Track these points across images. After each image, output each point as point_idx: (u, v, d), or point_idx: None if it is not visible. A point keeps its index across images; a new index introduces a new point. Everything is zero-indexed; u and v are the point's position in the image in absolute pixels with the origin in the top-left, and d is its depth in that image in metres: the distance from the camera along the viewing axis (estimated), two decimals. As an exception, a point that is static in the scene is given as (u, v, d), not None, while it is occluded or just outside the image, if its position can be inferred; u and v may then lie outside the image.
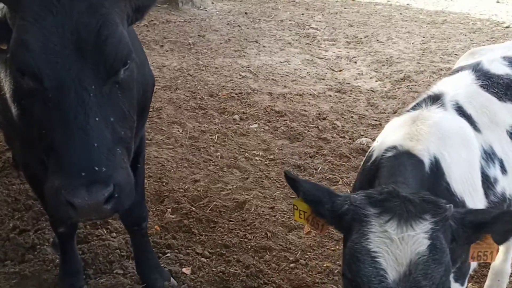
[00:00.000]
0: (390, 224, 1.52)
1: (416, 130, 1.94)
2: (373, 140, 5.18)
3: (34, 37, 1.70)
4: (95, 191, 1.66)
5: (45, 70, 1.71)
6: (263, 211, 4.10)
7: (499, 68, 2.41)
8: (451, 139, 1.99)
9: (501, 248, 2.14)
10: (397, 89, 6.93)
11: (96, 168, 1.69)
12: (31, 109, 1.88)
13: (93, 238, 3.68)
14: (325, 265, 3.49)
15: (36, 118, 1.87)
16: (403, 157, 1.85)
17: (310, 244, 3.76)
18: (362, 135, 5.47)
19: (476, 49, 2.82)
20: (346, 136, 5.45)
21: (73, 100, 1.71)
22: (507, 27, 10.31)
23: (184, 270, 3.44)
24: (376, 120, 5.89)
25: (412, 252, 1.48)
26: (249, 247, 3.70)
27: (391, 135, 2.02)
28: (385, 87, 7.02)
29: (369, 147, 5.00)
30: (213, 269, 3.44)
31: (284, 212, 4.11)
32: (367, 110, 6.24)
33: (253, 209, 4.12)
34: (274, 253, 3.65)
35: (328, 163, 4.85)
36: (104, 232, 3.77)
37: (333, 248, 3.71)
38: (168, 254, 3.57)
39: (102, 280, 3.31)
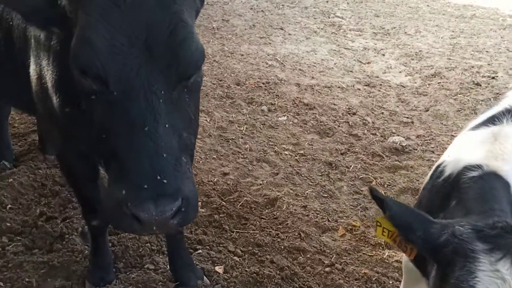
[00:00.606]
0: (503, 263, 1.38)
1: (500, 148, 1.79)
2: (406, 139, 5.04)
3: (100, 35, 1.56)
4: (163, 205, 1.55)
5: (111, 72, 1.57)
6: (295, 210, 3.97)
7: None
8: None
9: None
10: (427, 85, 6.72)
11: (165, 181, 1.56)
12: (90, 110, 1.76)
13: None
14: (362, 272, 3.37)
15: (96, 120, 1.74)
16: (491, 179, 1.70)
17: (346, 247, 3.64)
18: (394, 133, 5.31)
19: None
20: (377, 134, 5.28)
21: (142, 106, 1.57)
22: (539, 24, 10.00)
23: (216, 268, 3.33)
24: (407, 118, 5.71)
25: None
26: (282, 247, 3.59)
27: (470, 151, 1.87)
28: (415, 83, 6.82)
29: (402, 146, 4.87)
30: (246, 269, 3.33)
31: (317, 212, 3.98)
32: (397, 106, 6.06)
33: (284, 206, 3.99)
34: (308, 255, 3.53)
35: (360, 162, 4.70)
36: (133, 224, 3.66)
37: (369, 254, 3.58)
38: (200, 251, 3.47)
39: (133, 275, 3.21)
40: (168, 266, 3.30)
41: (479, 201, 1.64)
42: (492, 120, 2.04)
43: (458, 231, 1.47)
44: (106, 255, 3.18)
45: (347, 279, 3.32)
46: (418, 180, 4.47)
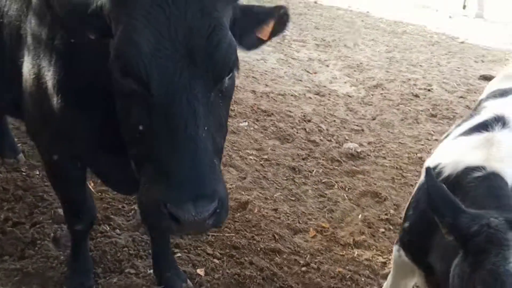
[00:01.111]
0: None
1: (498, 152, 2.03)
2: (360, 145, 5.34)
3: (147, 39, 1.58)
4: (202, 206, 1.58)
5: (155, 75, 1.59)
6: (266, 213, 4.09)
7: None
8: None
9: None
10: (371, 96, 7.16)
11: (204, 182, 1.61)
12: (126, 111, 1.78)
13: (97, 235, 3.50)
14: (337, 270, 3.55)
15: (131, 121, 1.76)
16: (496, 179, 1.92)
17: (318, 248, 3.81)
18: (348, 140, 5.61)
19: (508, 73, 2.99)
20: (332, 140, 5.56)
21: (184, 109, 1.60)
22: (461, 42, 10.96)
23: (198, 271, 3.36)
24: (357, 126, 6.06)
25: None
26: (258, 249, 3.69)
27: (468, 155, 2.08)
28: (360, 93, 7.23)
29: (357, 152, 5.17)
30: (227, 271, 3.39)
31: (288, 215, 4.13)
32: (347, 114, 6.40)
33: (256, 210, 4.10)
34: (284, 256, 3.66)
35: (321, 166, 4.92)
36: (107, 228, 3.60)
37: (340, 253, 3.78)
38: (179, 254, 3.47)
39: (114, 280, 3.15)
40: (148, 270, 3.28)
41: (491, 198, 1.85)
42: (484, 127, 2.29)
43: (493, 222, 1.66)
44: (86, 260, 3.10)
45: (323, 277, 3.48)
46: (375, 184, 4.77)
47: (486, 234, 1.65)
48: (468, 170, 1.97)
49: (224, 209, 1.70)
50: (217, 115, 1.76)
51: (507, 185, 1.93)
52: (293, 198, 4.39)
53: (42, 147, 2.64)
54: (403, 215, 4.01)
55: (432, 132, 6.19)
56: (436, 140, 5.94)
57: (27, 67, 2.38)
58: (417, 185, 2.41)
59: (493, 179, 1.94)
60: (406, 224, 2.32)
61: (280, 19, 1.97)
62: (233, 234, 3.80)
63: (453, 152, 2.22)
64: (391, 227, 4.17)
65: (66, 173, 2.66)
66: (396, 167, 5.17)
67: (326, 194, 4.54)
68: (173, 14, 1.60)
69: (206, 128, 1.65)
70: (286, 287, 3.35)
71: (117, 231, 3.63)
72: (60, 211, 3.46)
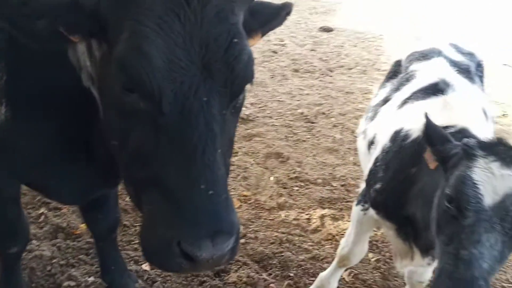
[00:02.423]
0: (495, 163, 1.85)
1: (460, 112, 2.32)
2: (245, 107, 5.44)
3: (160, 50, 1.32)
4: (221, 242, 1.38)
5: (168, 92, 1.34)
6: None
7: (455, 55, 2.97)
8: (475, 112, 2.52)
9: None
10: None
11: (222, 215, 1.40)
12: (125, 131, 1.49)
13: (14, 252, 3.00)
14: (274, 235, 3.68)
15: (132, 144, 1.47)
16: (468, 132, 2.22)
17: (248, 217, 3.87)
18: (232, 103, 5.65)
19: (419, 35, 3.33)
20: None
21: (201, 131, 1.37)
22: None
23: (143, 266, 3.16)
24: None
25: (508, 187, 1.80)
26: (193, 230, 3.60)
27: (433, 117, 2.31)
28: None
29: (246, 115, 5.31)
30: (173, 259, 3.26)
31: (208, 189, 4.07)
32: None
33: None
34: (219, 232, 3.64)
35: (220, 134, 4.91)
36: (22, 241, 3.11)
37: (270, 218, 3.91)
38: (115, 253, 3.20)
39: (55, 298, 2.80)
40: (88, 277, 2.99)
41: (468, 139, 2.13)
42: (434, 91, 2.56)
43: (467, 142, 1.95)
44: (19, 285, 2.68)
45: (264, 245, 3.58)
46: (274, 144, 4.96)
47: (461, 151, 1.94)
48: (444, 129, 2.19)
49: (238, 242, 1.51)
50: (228, 133, 1.55)
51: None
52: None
53: None
54: (335, 174, 4.35)
55: (301, 87, 6.58)
56: (308, 94, 6.38)
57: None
58: (381, 149, 2.59)
59: (464, 132, 2.22)
60: (378, 186, 2.50)
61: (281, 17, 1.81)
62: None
63: (417, 117, 2.42)
64: (302, 184, 4.43)
65: (2, 191, 2.23)
66: (285, 125, 5.43)
67: (234, 162, 4.56)
68: (188, 19, 1.36)
69: (221, 151, 1.44)
70: (234, 262, 3.36)
71: (35, 242, 3.17)
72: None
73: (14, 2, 1.42)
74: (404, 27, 10.33)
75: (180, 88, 1.35)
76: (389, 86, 3.10)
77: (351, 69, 7.57)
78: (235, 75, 1.42)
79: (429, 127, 2.06)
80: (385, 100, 2.95)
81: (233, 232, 1.42)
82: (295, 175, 4.52)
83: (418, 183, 2.29)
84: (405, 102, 2.67)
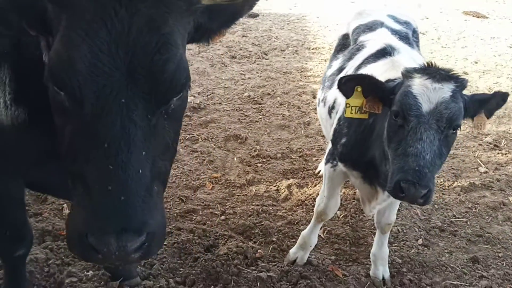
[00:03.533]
0: (428, 80, 2.30)
1: (402, 67, 2.70)
2: (193, 97, 5.65)
3: (83, 55, 1.41)
4: (125, 240, 1.43)
5: (89, 94, 1.43)
6: (159, 180, 4.13)
7: (394, 25, 3.37)
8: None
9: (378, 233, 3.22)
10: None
11: (131, 214, 1.45)
12: (60, 125, 1.62)
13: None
14: (250, 208, 3.96)
15: (64, 137, 1.59)
16: None
17: (222, 196, 4.12)
18: (181, 95, 5.81)
19: (360, 10, 3.70)
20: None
21: (117, 133, 1.44)
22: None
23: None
24: (180, 80, 6.27)
25: (439, 96, 2.26)
26: (174, 215, 3.79)
27: (384, 74, 2.66)
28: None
29: (197, 104, 5.50)
30: (164, 244, 3.44)
31: (178, 176, 4.27)
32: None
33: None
34: (200, 213, 3.86)
35: (177, 125, 5.07)
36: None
37: (243, 194, 4.18)
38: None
39: (62, 295, 2.90)
40: (86, 272, 3.10)
41: None
42: (383, 54, 2.94)
43: (405, 68, 2.42)
44: (26, 285, 2.76)
45: (243, 218, 3.85)
46: (230, 128, 5.22)
47: (401, 79, 2.42)
48: (389, 81, 2.57)
49: (156, 242, 1.55)
50: (161, 137, 1.59)
51: None
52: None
53: None
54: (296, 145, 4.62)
55: (242, 72, 6.85)
56: (249, 78, 6.66)
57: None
58: (342, 109, 2.92)
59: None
60: (344, 140, 2.84)
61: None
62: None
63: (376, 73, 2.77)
64: (264, 160, 4.73)
65: (7, 194, 2.31)
66: (236, 109, 5.69)
67: (196, 148, 4.77)
68: (115, 27, 1.43)
69: (144, 153, 1.50)
70: (221, 237, 3.61)
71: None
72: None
73: None
74: (326, 7, 10.90)
75: (102, 91, 1.43)
76: (341, 57, 3.46)
77: (283, 50, 7.94)
78: (159, 83, 1.48)
79: (366, 79, 2.49)
80: (340, 69, 3.31)
81: (142, 231, 1.46)
82: (255, 153, 4.81)
83: (375, 130, 2.68)
84: (359, 67, 3.03)
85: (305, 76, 6.85)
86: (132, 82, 1.44)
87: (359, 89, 2.43)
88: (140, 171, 1.47)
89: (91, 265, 3.17)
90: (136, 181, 1.46)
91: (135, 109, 1.46)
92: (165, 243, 3.42)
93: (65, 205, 3.70)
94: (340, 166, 2.99)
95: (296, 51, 7.93)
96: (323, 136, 5.21)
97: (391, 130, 2.38)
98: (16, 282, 2.69)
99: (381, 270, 3.37)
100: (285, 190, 4.26)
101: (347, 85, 2.46)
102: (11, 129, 1.98)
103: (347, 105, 2.47)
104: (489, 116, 2.51)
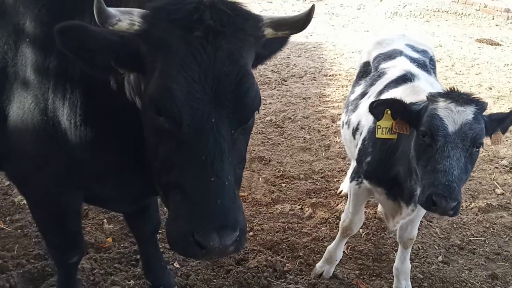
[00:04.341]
0: (452, 104, 2.55)
1: (422, 93, 2.88)
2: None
3: (180, 85, 1.71)
4: (225, 235, 1.72)
5: (186, 116, 1.72)
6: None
7: (413, 54, 3.65)
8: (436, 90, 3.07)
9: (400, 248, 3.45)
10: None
11: (228, 214, 1.75)
12: (156, 145, 1.90)
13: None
14: (276, 225, 4.17)
15: (161, 154, 1.88)
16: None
17: (250, 213, 4.33)
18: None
19: (379, 40, 3.99)
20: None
21: (211, 146, 1.74)
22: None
23: (175, 264, 3.55)
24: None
25: (463, 118, 2.50)
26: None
27: (406, 98, 2.88)
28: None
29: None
30: (197, 256, 3.67)
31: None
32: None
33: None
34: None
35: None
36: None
37: (269, 212, 4.40)
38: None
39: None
40: (127, 281, 3.33)
41: None
42: (404, 80, 3.20)
43: (430, 93, 2.66)
44: (77, 289, 3.01)
45: (271, 234, 4.06)
46: (254, 150, 5.47)
47: (426, 103, 2.66)
48: (412, 104, 2.81)
49: (244, 236, 1.83)
50: (239, 149, 1.88)
51: None
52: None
53: (40, 186, 2.45)
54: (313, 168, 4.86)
55: (263, 97, 7.14)
56: (270, 103, 6.94)
57: (23, 105, 2.23)
58: (367, 131, 3.17)
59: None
60: (368, 159, 3.07)
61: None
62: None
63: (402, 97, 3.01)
64: (288, 180, 4.97)
65: (67, 205, 2.56)
66: (259, 133, 5.96)
67: (223, 169, 5.02)
68: (204, 61, 1.73)
69: (229, 163, 1.78)
70: (250, 251, 3.82)
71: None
72: None
73: (79, 39, 1.82)
74: (341, 36, 11.25)
75: (196, 113, 1.72)
76: (363, 83, 3.72)
77: (302, 77, 8.25)
78: (243, 106, 1.79)
79: (393, 103, 2.74)
80: (363, 94, 3.57)
81: (236, 227, 1.75)
82: (279, 173, 5.05)
83: (399, 148, 2.91)
84: (381, 92, 3.29)
85: (323, 102, 7.12)
86: (219, 105, 1.74)
87: (389, 112, 2.68)
88: (229, 177, 1.76)
89: (131, 275, 3.41)
90: (228, 186, 1.75)
91: (223, 126, 1.75)
92: (198, 256, 3.66)
93: (105, 220, 3.96)
94: (365, 183, 3.22)
95: (314, 77, 8.23)
96: (343, 158, 5.44)
97: (420, 149, 2.61)
98: (71, 286, 2.92)
99: (404, 284, 3.54)
100: (309, 209, 4.48)
101: (378, 108, 2.71)
102: (78, 147, 2.23)
103: (378, 127, 2.72)
104: (504, 132, 2.76)
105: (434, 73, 3.79)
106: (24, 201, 4.06)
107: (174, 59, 1.73)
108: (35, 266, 3.31)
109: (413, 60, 3.56)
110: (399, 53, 3.63)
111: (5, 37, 2.20)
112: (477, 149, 2.55)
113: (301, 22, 2.03)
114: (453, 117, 2.51)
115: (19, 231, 3.72)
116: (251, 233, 4.07)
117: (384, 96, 3.18)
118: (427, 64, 3.62)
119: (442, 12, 13.98)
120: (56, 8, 2.14)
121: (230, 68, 1.75)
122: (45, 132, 2.23)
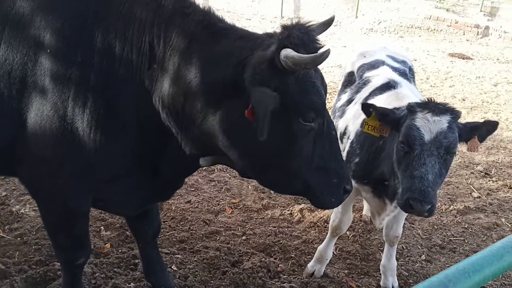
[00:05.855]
0: (429, 114, 2.76)
1: (405, 99, 3.17)
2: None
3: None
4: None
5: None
6: (183, 206, 4.54)
7: (394, 63, 3.92)
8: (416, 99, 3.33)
9: (386, 247, 3.71)
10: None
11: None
12: (292, 145, 2.29)
13: (57, 273, 3.40)
14: (268, 229, 4.35)
15: (300, 152, 2.30)
16: None
17: (241, 219, 4.51)
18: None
19: (362, 51, 4.25)
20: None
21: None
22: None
23: (173, 267, 3.68)
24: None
25: (438, 127, 2.72)
26: (201, 235, 4.17)
27: (390, 104, 3.15)
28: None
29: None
30: (194, 259, 3.81)
31: (200, 202, 4.66)
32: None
33: (173, 207, 4.51)
34: (223, 234, 4.24)
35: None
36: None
37: (260, 217, 4.57)
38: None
39: (110, 303, 3.24)
40: (127, 284, 3.44)
41: None
42: (387, 87, 3.45)
43: (409, 103, 2.88)
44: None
45: (263, 238, 4.23)
46: (243, 160, 5.64)
47: (406, 111, 2.88)
48: (395, 109, 3.06)
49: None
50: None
51: None
52: (192, 189, 4.90)
53: (54, 189, 2.58)
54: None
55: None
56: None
57: (41, 112, 2.36)
58: (354, 135, 3.39)
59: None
60: (357, 160, 3.29)
61: None
62: (172, 232, 4.16)
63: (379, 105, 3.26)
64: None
65: (78, 208, 2.69)
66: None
67: (213, 178, 5.19)
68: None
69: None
70: (244, 254, 3.98)
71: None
72: None
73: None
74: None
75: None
76: (348, 91, 3.97)
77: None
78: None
79: (379, 109, 2.99)
80: (349, 101, 3.81)
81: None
82: (268, 181, 5.23)
83: (385, 150, 3.14)
84: (367, 98, 3.53)
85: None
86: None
87: (374, 114, 2.91)
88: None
89: (131, 278, 3.52)
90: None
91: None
92: (195, 259, 3.81)
93: (102, 227, 4.07)
94: (353, 183, 3.43)
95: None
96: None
97: (399, 155, 2.85)
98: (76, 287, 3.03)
99: (391, 280, 3.75)
100: (298, 214, 4.67)
101: (366, 108, 2.98)
102: (95, 152, 2.38)
103: (366, 123, 2.97)
104: (481, 140, 2.98)
105: (414, 81, 4.06)
106: (22, 210, 4.16)
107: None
108: (37, 272, 3.40)
109: (394, 69, 3.82)
110: (382, 63, 3.90)
111: (26, 49, 2.34)
112: (451, 155, 2.79)
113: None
114: (430, 126, 2.75)
115: (18, 239, 3.81)
116: (244, 237, 4.23)
117: (370, 102, 3.43)
118: (407, 73, 3.89)
119: (416, 28, 14.55)
120: (77, 23, 2.32)
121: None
122: (63, 137, 2.38)
